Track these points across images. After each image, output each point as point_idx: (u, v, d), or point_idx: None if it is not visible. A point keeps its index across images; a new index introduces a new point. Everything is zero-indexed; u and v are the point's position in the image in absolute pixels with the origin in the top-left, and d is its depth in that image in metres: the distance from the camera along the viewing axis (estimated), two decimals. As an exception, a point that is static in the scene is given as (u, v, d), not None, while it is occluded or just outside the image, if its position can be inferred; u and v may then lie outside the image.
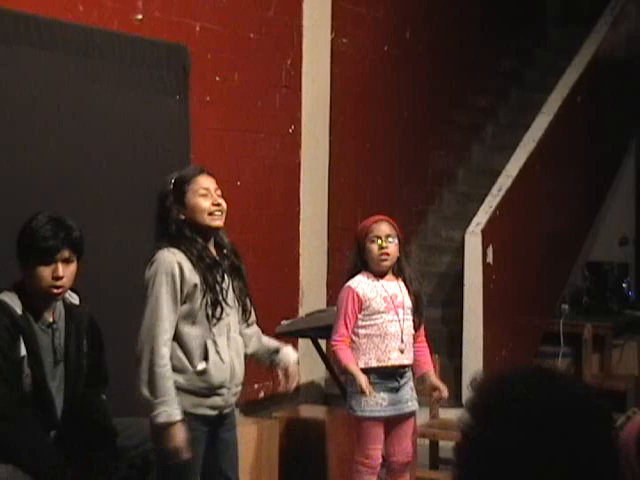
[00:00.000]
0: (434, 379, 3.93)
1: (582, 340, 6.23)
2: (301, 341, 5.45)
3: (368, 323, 3.80)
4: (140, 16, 4.51)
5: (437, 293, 6.41)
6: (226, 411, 3.21)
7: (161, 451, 3.05)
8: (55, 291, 3.06)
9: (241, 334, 3.27)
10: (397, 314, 3.80)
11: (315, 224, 5.77)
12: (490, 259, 5.79)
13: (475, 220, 5.87)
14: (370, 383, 3.74)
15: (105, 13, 4.32)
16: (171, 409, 2.98)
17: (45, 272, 3.04)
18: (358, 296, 3.79)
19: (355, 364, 3.75)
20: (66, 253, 3.06)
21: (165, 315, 3.05)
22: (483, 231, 5.77)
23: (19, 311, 3.05)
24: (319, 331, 4.93)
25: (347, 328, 3.79)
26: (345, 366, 3.76)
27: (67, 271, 3.07)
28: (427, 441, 4.86)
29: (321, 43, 5.80)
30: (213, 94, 4.97)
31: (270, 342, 3.43)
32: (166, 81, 4.37)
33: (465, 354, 5.69)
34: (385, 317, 3.79)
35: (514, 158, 6.30)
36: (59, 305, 3.19)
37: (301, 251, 5.65)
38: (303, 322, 5.02)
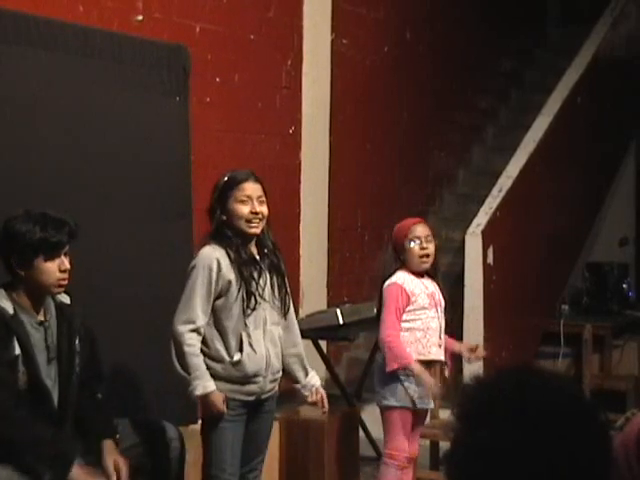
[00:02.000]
0: (463, 346, 4.16)
1: (582, 340, 6.22)
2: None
3: (412, 318, 3.90)
4: (140, 17, 4.51)
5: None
6: (264, 396, 3.41)
7: (205, 421, 3.36)
8: (63, 283, 3.13)
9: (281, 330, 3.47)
10: (437, 311, 3.95)
11: (315, 225, 5.78)
12: (490, 260, 5.79)
13: (475, 221, 5.87)
14: (406, 375, 3.83)
15: (105, 14, 4.33)
16: (203, 381, 3.25)
17: (52, 267, 3.09)
18: (406, 291, 3.89)
19: (416, 362, 3.83)
20: (67, 246, 3.14)
21: (197, 303, 3.28)
22: (483, 232, 5.77)
23: (10, 310, 3.06)
24: (319, 332, 4.93)
25: (399, 323, 3.87)
26: (407, 365, 3.82)
27: (68, 264, 3.14)
28: (427, 441, 4.86)
29: (321, 44, 5.80)
30: (213, 95, 4.97)
31: (298, 366, 3.58)
32: (166, 82, 4.37)
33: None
34: (428, 313, 3.92)
35: (514, 159, 6.30)
36: (50, 304, 3.20)
37: (301, 252, 5.65)
38: (303, 323, 5.01)
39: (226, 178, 3.40)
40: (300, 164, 5.65)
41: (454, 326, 5.90)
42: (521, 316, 6.25)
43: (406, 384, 3.85)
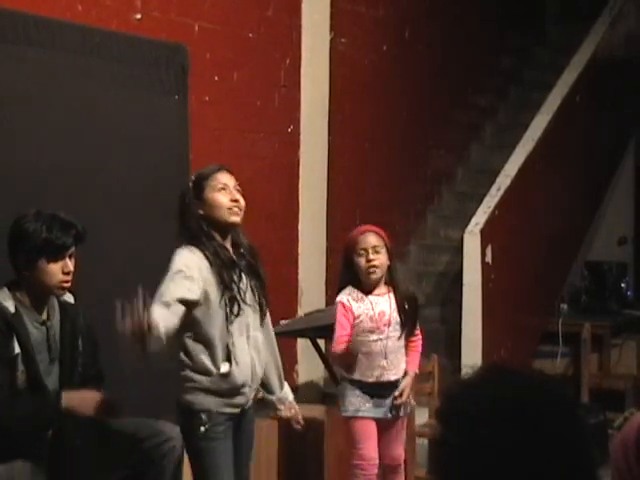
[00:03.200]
0: (403, 383, 3.80)
1: (581, 340, 6.23)
2: (300, 341, 5.46)
3: (353, 339, 3.74)
4: (139, 15, 4.51)
5: (436, 293, 6.42)
6: (247, 406, 3.28)
7: (191, 443, 3.16)
8: (65, 285, 3.14)
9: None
10: (382, 333, 3.73)
11: (314, 224, 5.77)
12: (489, 259, 5.79)
13: (474, 220, 5.87)
14: (356, 387, 3.74)
15: (104, 13, 4.32)
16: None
17: (55, 268, 3.10)
18: (351, 310, 3.73)
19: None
20: (72, 248, 3.15)
21: (173, 287, 3.01)
22: (482, 231, 5.77)
23: (12, 309, 3.06)
24: (318, 331, 4.93)
25: (347, 335, 3.72)
26: (341, 351, 3.70)
27: (73, 266, 3.16)
28: (426, 441, 4.86)
29: (320, 43, 5.80)
30: (212, 94, 4.96)
31: (275, 377, 3.43)
32: (165, 81, 4.37)
33: (464, 354, 5.69)
34: (370, 337, 3.72)
35: (513, 158, 6.30)
36: (54, 303, 3.20)
37: (300, 251, 5.65)
38: (302, 322, 5.02)
39: (197, 173, 3.25)
40: (299, 163, 5.65)
41: (449, 327, 5.91)
42: (520, 315, 6.25)
43: (356, 393, 3.74)
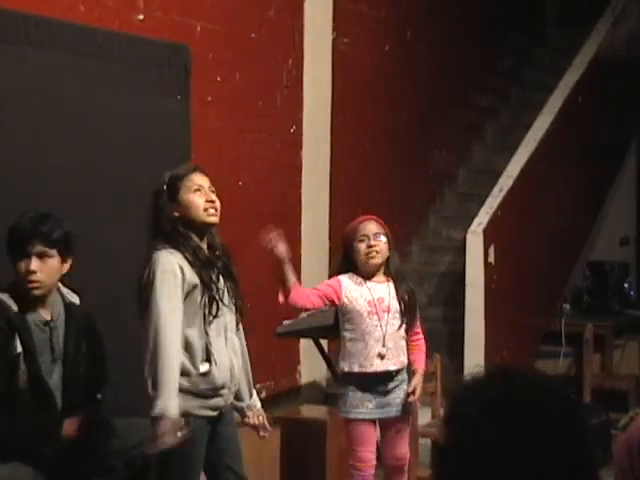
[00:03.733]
0: (414, 381, 3.78)
1: (583, 340, 6.23)
2: (302, 341, 5.46)
3: (351, 326, 3.74)
4: (141, 16, 4.51)
5: (438, 293, 6.41)
6: (225, 409, 3.22)
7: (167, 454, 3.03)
8: (29, 286, 3.05)
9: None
10: (380, 319, 3.71)
11: (316, 224, 5.77)
12: (492, 259, 5.79)
13: (477, 220, 5.87)
14: (356, 386, 3.72)
15: (106, 13, 4.32)
16: (166, 403, 2.94)
17: (21, 267, 3.05)
18: (340, 286, 3.72)
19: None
20: (39, 247, 3.05)
21: (180, 307, 3.02)
22: (485, 231, 5.77)
23: (15, 308, 3.06)
24: (320, 331, 4.92)
25: (317, 295, 3.67)
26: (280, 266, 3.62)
27: (44, 267, 3.06)
28: (429, 441, 4.86)
29: (322, 43, 5.80)
30: (214, 94, 4.96)
31: (245, 384, 3.37)
32: (167, 81, 4.37)
33: (466, 354, 5.69)
34: (368, 321, 3.71)
35: (515, 158, 6.30)
36: (59, 304, 3.19)
37: (302, 251, 5.65)
38: (304, 322, 5.01)
39: (169, 173, 3.19)
40: (301, 163, 5.64)
41: (452, 327, 5.91)
42: (522, 315, 6.24)
43: (358, 395, 3.72)
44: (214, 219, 3.16)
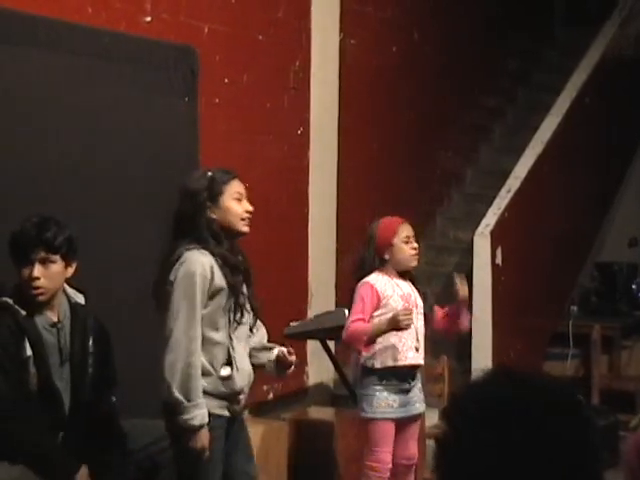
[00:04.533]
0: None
1: (591, 341, 6.21)
2: (310, 342, 5.46)
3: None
4: (148, 18, 4.51)
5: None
6: (239, 414, 3.26)
7: (187, 451, 3.06)
8: (32, 292, 3.04)
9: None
10: (411, 313, 3.80)
11: (324, 225, 5.77)
12: (499, 260, 5.78)
13: (484, 221, 5.86)
14: (383, 384, 3.75)
15: (113, 15, 4.33)
16: (203, 412, 3.02)
17: (24, 273, 3.04)
18: (377, 292, 3.82)
19: (375, 321, 3.75)
20: (42, 253, 3.04)
21: (199, 317, 3.05)
22: (492, 232, 5.76)
23: (23, 311, 3.06)
24: (328, 332, 4.92)
25: (363, 314, 3.77)
26: (369, 331, 3.72)
27: (47, 272, 3.05)
28: (434, 441, 4.85)
29: (329, 44, 5.80)
30: (221, 96, 4.97)
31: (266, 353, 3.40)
32: (174, 83, 4.37)
33: (474, 356, 5.68)
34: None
35: (523, 159, 6.29)
36: (64, 305, 3.19)
37: (310, 252, 5.65)
38: (312, 323, 5.02)
39: (211, 175, 3.18)
40: (308, 165, 5.64)
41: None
42: (530, 317, 6.23)
43: (384, 394, 3.76)
44: (247, 229, 3.21)
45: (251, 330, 3.26)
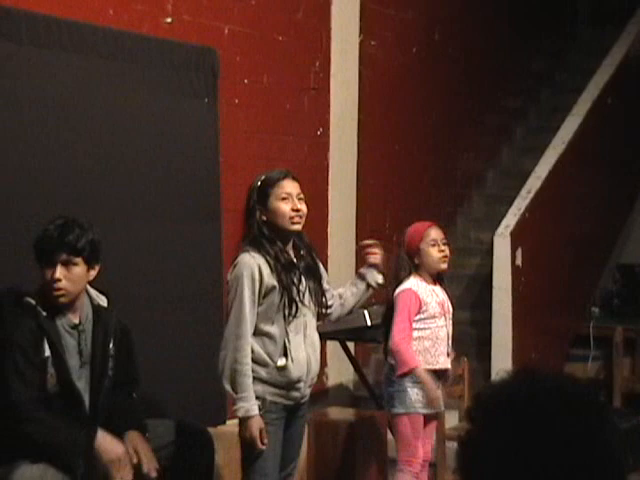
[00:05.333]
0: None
1: (613, 343, 6.17)
2: (329, 343, 5.45)
3: (422, 327, 3.87)
4: (170, 19, 4.54)
5: (466, 295, 6.39)
6: (302, 401, 3.44)
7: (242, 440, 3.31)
8: (54, 293, 3.08)
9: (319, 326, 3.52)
10: (446, 319, 3.92)
11: (343, 227, 5.77)
12: (519, 261, 5.76)
13: (504, 222, 5.84)
14: (414, 381, 3.82)
15: (135, 16, 4.36)
16: (249, 405, 3.24)
17: (47, 275, 3.08)
18: (419, 298, 3.86)
19: (422, 369, 3.80)
20: (64, 255, 3.07)
21: (247, 316, 3.26)
22: (512, 233, 5.74)
23: (44, 312, 3.08)
24: (347, 334, 4.92)
25: (410, 328, 3.84)
26: (414, 370, 3.79)
27: (69, 274, 3.08)
28: (456, 444, 4.84)
29: (349, 45, 5.80)
30: (242, 97, 4.98)
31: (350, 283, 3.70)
32: (195, 84, 4.39)
33: (494, 357, 5.66)
34: (438, 322, 3.89)
35: (544, 160, 6.27)
36: (87, 307, 3.21)
37: (329, 253, 5.65)
38: (331, 324, 5.01)
39: (263, 177, 3.41)
40: (328, 166, 5.65)
41: (479, 330, 5.88)
42: (550, 318, 6.20)
43: (415, 390, 3.82)
44: (297, 227, 3.36)
45: (320, 318, 3.50)
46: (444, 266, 3.93)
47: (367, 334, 4.90)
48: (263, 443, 3.25)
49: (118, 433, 3.16)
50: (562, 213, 6.34)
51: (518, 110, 7.72)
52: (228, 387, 3.26)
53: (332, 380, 5.67)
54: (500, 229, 5.79)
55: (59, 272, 3.06)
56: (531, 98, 7.88)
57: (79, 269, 3.10)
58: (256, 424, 3.25)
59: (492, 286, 5.75)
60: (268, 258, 3.29)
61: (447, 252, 3.93)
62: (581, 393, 1.28)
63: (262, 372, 3.30)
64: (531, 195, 6.00)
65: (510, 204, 6.01)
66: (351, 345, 5.27)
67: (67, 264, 3.07)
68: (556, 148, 6.31)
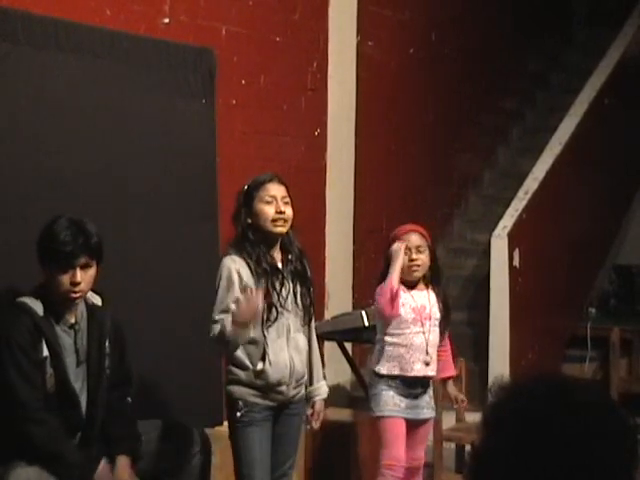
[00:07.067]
0: (452, 389, 4.04)
1: (609, 344, 6.18)
2: (327, 344, 5.45)
3: (396, 332, 3.82)
4: (166, 20, 4.53)
5: (463, 296, 6.39)
6: (293, 399, 3.41)
7: (231, 425, 3.37)
8: (73, 296, 3.10)
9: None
10: (423, 326, 3.83)
11: (341, 227, 5.77)
12: (516, 262, 5.76)
13: (501, 223, 5.84)
14: (389, 386, 3.80)
15: (132, 17, 4.35)
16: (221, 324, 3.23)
17: (64, 278, 3.06)
18: (398, 290, 3.80)
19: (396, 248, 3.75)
20: (84, 259, 3.07)
21: (227, 299, 3.26)
22: (509, 234, 5.74)
23: (40, 313, 3.08)
24: (345, 334, 4.92)
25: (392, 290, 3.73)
26: (388, 283, 3.70)
27: (85, 276, 3.09)
28: (453, 445, 4.84)
29: (347, 46, 5.80)
30: (239, 97, 4.98)
31: (313, 367, 3.57)
32: (192, 84, 4.38)
33: (491, 358, 5.67)
34: (412, 328, 3.82)
35: (541, 161, 6.27)
36: (81, 306, 3.21)
37: (327, 254, 5.65)
38: (329, 325, 5.02)
39: (249, 183, 3.43)
40: (325, 166, 5.65)
41: (476, 331, 5.89)
42: (547, 319, 6.21)
43: (390, 393, 3.79)
44: (281, 229, 3.36)
45: (305, 324, 3.43)
46: (415, 274, 3.84)
47: (364, 335, 4.90)
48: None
49: (111, 448, 3.17)
50: (559, 214, 6.35)
51: (515, 111, 7.73)
52: (211, 335, 3.27)
53: (329, 381, 5.64)
54: (497, 230, 5.80)
55: (79, 275, 3.06)
56: (528, 99, 7.89)
57: (93, 270, 3.13)
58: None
59: (489, 287, 5.75)
60: (249, 261, 3.29)
61: (420, 261, 3.82)
62: (607, 412, 1.26)
63: (242, 375, 3.32)
64: (528, 196, 6.00)
65: (507, 205, 6.02)
66: (348, 346, 5.27)
67: (85, 267, 3.08)
68: (553, 149, 6.31)
